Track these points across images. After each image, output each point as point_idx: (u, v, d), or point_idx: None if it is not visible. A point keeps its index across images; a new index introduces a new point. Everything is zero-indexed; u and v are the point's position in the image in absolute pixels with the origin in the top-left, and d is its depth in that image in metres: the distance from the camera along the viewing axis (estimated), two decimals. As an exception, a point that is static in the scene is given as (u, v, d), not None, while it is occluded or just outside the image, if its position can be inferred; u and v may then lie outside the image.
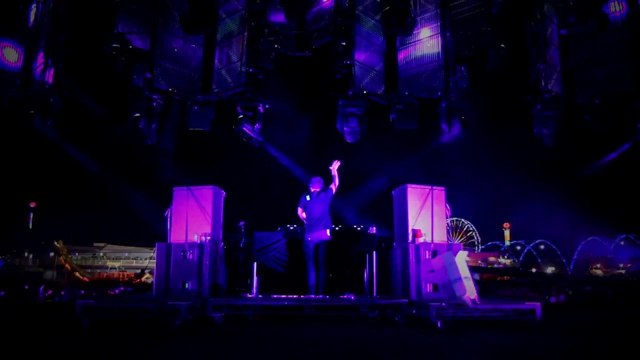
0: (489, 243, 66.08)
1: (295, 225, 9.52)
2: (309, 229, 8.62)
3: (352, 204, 13.29)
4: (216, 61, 10.92)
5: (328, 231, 8.53)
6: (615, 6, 10.52)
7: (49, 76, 10.44)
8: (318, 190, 8.70)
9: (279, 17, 10.71)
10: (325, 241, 8.53)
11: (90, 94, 12.31)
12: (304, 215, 8.78)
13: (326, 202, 8.60)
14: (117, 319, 7.11)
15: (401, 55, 11.09)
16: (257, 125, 10.89)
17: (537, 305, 7.12)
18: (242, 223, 9.75)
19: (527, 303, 7.32)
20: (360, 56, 10.51)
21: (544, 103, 10.43)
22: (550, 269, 53.66)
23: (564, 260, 57.19)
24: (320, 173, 8.84)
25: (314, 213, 8.60)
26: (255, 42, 10.64)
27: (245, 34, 10.63)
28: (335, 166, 8.57)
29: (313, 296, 8.19)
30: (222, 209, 9.21)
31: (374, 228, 9.57)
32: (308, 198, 8.73)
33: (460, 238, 63.28)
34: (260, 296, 8.31)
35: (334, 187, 8.61)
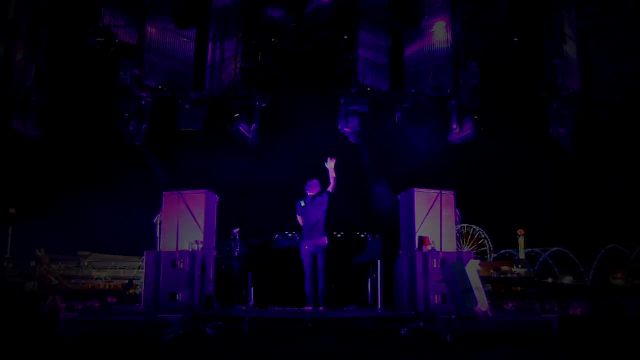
0: (502, 251, 65.96)
1: (293, 233, 9.52)
2: (306, 237, 8.62)
3: (355, 210, 13.28)
4: (209, 57, 10.94)
5: (326, 238, 8.52)
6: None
7: (30, 72, 10.46)
8: (314, 194, 8.70)
9: (276, 11, 10.73)
10: (323, 248, 8.51)
11: (75, 93, 12.31)
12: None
13: (322, 207, 8.58)
14: (104, 334, 7.09)
15: (408, 51, 11.08)
16: (253, 126, 10.89)
17: (554, 317, 7.11)
18: (236, 230, 9.74)
19: (543, 315, 7.30)
20: (364, 51, 10.52)
21: (561, 101, 10.43)
22: (567, 279, 53.54)
23: (583, 270, 57.08)
24: (320, 175, 8.83)
25: (310, 219, 8.59)
26: (251, 37, 10.67)
27: (241, 26, 10.66)
28: (331, 165, 8.55)
29: (313, 309, 8.18)
30: (215, 215, 9.20)
31: (379, 235, 9.56)
32: (303, 204, 8.74)
33: (471, 246, 63.18)
34: (256, 309, 8.29)
35: (330, 190, 8.60)
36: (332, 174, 8.57)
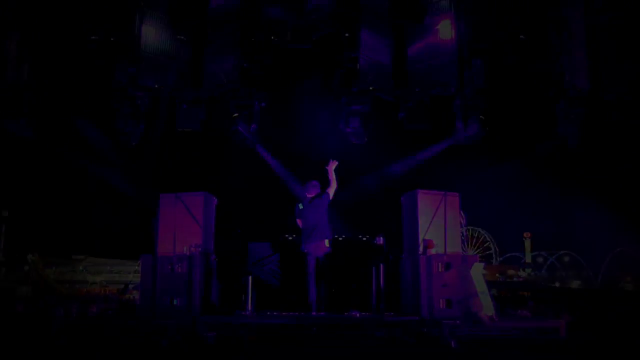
0: (508, 255, 65.71)
1: (294, 235, 9.49)
2: (305, 240, 8.57)
3: (357, 212, 13.25)
4: (207, 55, 10.93)
5: (326, 242, 8.45)
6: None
7: (24, 71, 10.46)
8: (313, 195, 8.64)
9: (275, 9, 10.70)
10: (326, 254, 8.47)
11: (69, 92, 12.27)
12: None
13: (322, 208, 8.51)
14: (99, 339, 7.07)
15: (411, 50, 11.06)
16: (253, 126, 10.88)
17: (562, 323, 7.07)
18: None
19: (550, 320, 7.26)
20: (365, 49, 10.51)
21: (569, 100, 10.39)
22: (575, 283, 53.34)
23: (591, 274, 56.77)
24: (320, 176, 8.77)
25: (309, 222, 8.54)
26: (250, 35, 10.66)
27: (239, 24, 10.66)
28: (332, 167, 8.48)
29: (314, 314, 8.15)
30: (213, 218, 9.16)
31: (382, 238, 9.53)
32: (301, 207, 8.69)
33: (476, 249, 63.02)
34: (256, 314, 8.27)
35: (330, 192, 8.53)
36: (332, 176, 8.49)
